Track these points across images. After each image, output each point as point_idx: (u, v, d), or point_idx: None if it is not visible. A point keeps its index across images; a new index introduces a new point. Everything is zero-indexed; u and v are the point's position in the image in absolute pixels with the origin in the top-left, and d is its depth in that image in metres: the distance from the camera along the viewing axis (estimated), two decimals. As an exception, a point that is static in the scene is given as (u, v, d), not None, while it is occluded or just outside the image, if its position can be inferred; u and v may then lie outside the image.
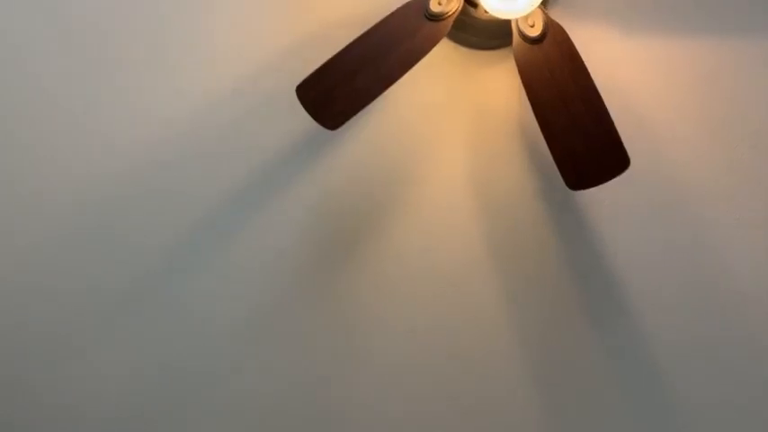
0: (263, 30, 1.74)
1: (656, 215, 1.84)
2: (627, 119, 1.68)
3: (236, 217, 1.90)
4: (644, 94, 1.74)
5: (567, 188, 1.60)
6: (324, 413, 2.09)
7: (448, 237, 1.91)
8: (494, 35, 1.70)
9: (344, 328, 2.01)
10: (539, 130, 1.55)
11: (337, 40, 1.52)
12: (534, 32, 1.49)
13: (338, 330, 2.01)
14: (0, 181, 1.87)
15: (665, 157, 1.79)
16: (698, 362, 1.95)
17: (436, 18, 1.50)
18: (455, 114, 1.81)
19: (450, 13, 1.50)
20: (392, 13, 1.50)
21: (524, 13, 1.47)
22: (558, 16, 1.62)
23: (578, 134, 1.52)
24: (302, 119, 1.59)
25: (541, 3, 1.48)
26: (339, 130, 1.60)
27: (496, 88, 1.78)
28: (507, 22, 1.55)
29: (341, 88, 1.54)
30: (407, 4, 1.50)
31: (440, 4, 1.49)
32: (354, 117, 1.58)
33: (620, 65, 1.72)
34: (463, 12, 1.57)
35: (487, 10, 1.49)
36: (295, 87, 1.54)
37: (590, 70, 1.48)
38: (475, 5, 1.61)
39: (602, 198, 1.83)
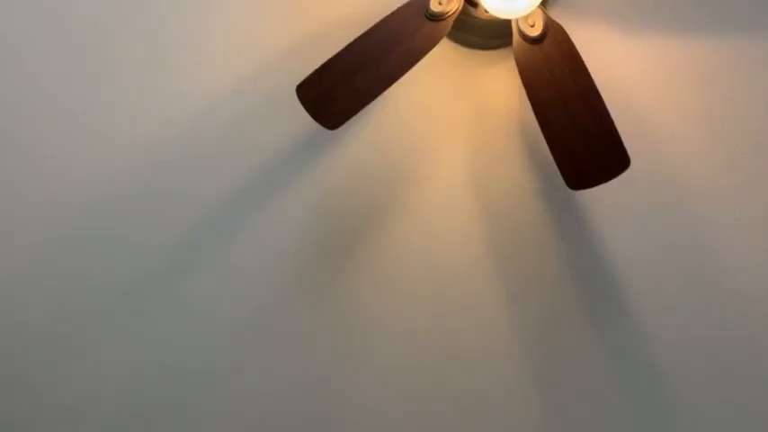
0: (263, 30, 1.75)
1: (656, 215, 1.84)
2: (627, 119, 1.68)
3: (236, 217, 1.90)
4: (644, 93, 1.74)
5: (568, 188, 1.60)
6: (324, 413, 2.09)
7: (448, 237, 1.91)
8: (494, 35, 1.70)
9: (344, 328, 2.01)
10: (539, 129, 1.55)
11: (337, 40, 1.52)
12: (534, 32, 1.49)
13: (338, 330, 2.01)
14: (0, 181, 1.87)
15: (665, 157, 1.78)
16: (698, 362, 1.95)
17: (436, 18, 1.50)
18: (455, 114, 1.81)
19: (450, 13, 1.50)
20: (392, 13, 1.50)
21: (524, 13, 1.47)
22: (558, 16, 1.62)
23: (578, 134, 1.52)
24: (302, 119, 1.59)
25: (541, 3, 1.48)
26: (339, 130, 1.60)
27: (497, 88, 1.78)
28: (507, 22, 1.55)
29: (341, 88, 1.54)
30: (407, 3, 1.50)
31: (440, 3, 1.49)
32: (354, 117, 1.58)
33: (620, 65, 1.72)
34: (463, 11, 1.57)
35: (488, 10, 1.49)
36: (295, 87, 1.54)
37: (590, 70, 1.48)
38: (475, 5, 1.61)
39: (602, 198, 1.83)
